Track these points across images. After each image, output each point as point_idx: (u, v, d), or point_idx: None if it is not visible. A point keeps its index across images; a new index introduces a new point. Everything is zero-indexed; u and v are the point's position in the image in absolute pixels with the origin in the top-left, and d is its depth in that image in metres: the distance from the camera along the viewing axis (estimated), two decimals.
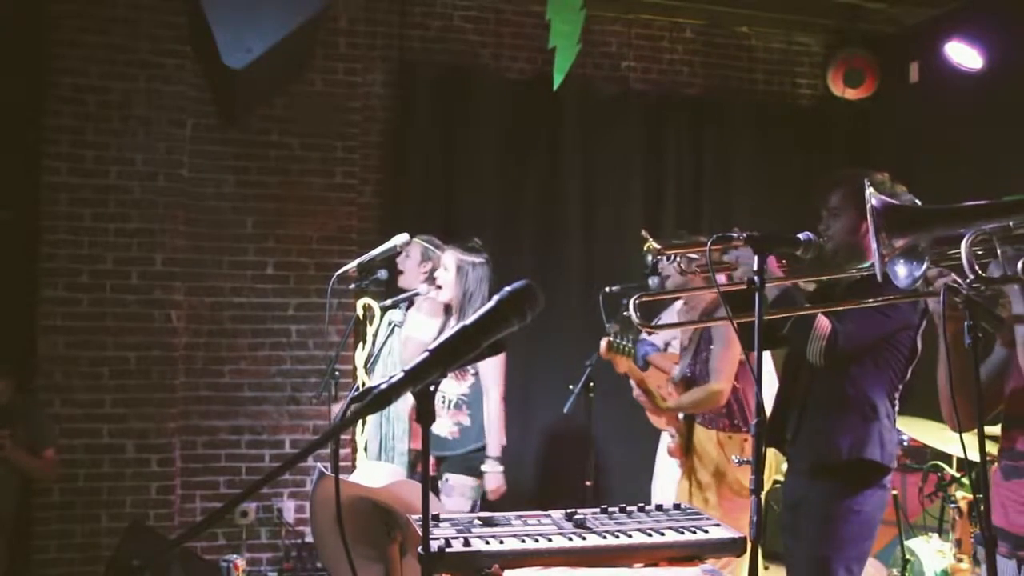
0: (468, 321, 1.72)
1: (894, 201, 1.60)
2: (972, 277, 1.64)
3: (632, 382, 4.21)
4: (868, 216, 2.03)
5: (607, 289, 4.23)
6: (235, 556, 5.45)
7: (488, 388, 4.57)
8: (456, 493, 4.59)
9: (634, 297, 2.92)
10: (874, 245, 1.95)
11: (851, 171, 3.39)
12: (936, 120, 6.09)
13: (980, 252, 1.93)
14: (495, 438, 4.56)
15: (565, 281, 6.20)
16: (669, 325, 4.31)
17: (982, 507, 2.31)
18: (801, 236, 2.98)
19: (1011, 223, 1.65)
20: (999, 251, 1.69)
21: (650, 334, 4.68)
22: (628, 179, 6.47)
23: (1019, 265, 1.52)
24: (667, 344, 5.10)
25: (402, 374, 1.66)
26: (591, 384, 4.19)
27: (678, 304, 4.57)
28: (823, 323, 3.17)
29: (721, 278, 3.37)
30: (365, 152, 6.15)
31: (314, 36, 5.55)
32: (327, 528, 3.36)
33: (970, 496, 4.47)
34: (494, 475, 4.54)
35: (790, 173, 6.51)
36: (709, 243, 2.77)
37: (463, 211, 6.08)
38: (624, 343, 4.07)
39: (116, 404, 5.51)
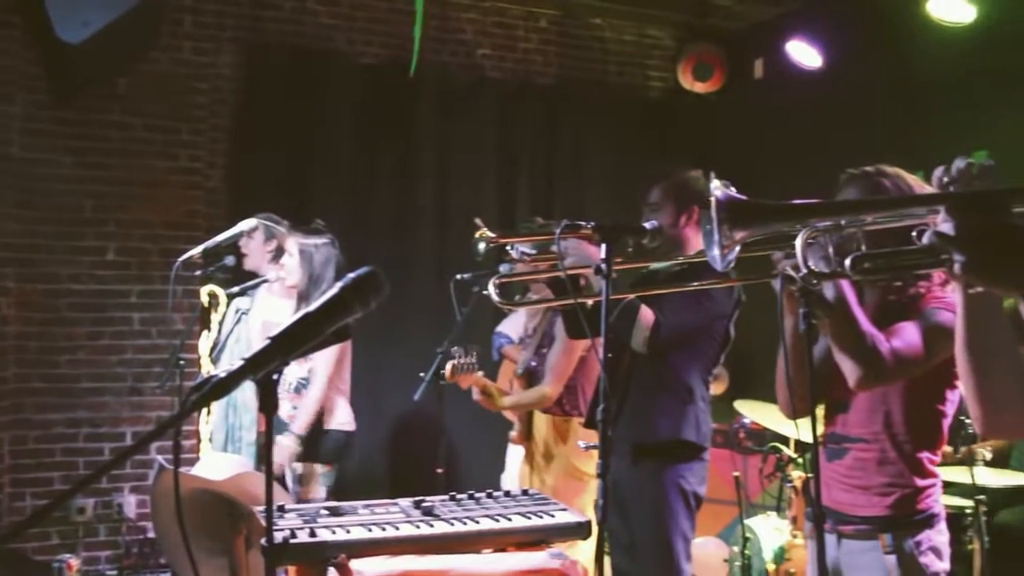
0: (310, 308, 1.69)
1: (737, 195, 1.66)
2: (805, 271, 1.71)
3: (474, 389, 4.33)
4: (712, 208, 2.09)
5: (458, 276, 4.22)
6: (69, 556, 5.19)
7: (316, 369, 4.50)
8: (308, 481, 4.52)
9: (493, 278, 2.97)
10: (716, 236, 2.00)
11: (668, 168, 3.67)
12: (778, 116, 6.32)
13: (811, 242, 2.03)
14: (305, 418, 4.47)
15: (417, 268, 6.17)
16: (527, 303, 4.35)
17: (811, 486, 2.43)
18: (647, 225, 3.13)
19: (842, 221, 1.73)
20: (830, 248, 1.77)
21: (509, 312, 4.76)
22: (482, 166, 6.49)
23: (847, 262, 1.59)
24: (521, 338, 5.15)
25: (241, 362, 1.62)
26: (442, 371, 4.18)
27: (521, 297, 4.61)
28: (647, 314, 3.34)
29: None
30: (213, 135, 5.96)
31: (158, 13, 5.34)
32: (169, 522, 3.26)
33: (804, 475, 4.67)
34: (284, 449, 4.41)
35: (641, 163, 6.63)
36: (558, 231, 2.80)
37: (314, 197, 5.96)
38: (468, 361, 4.19)
39: None
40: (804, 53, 5.89)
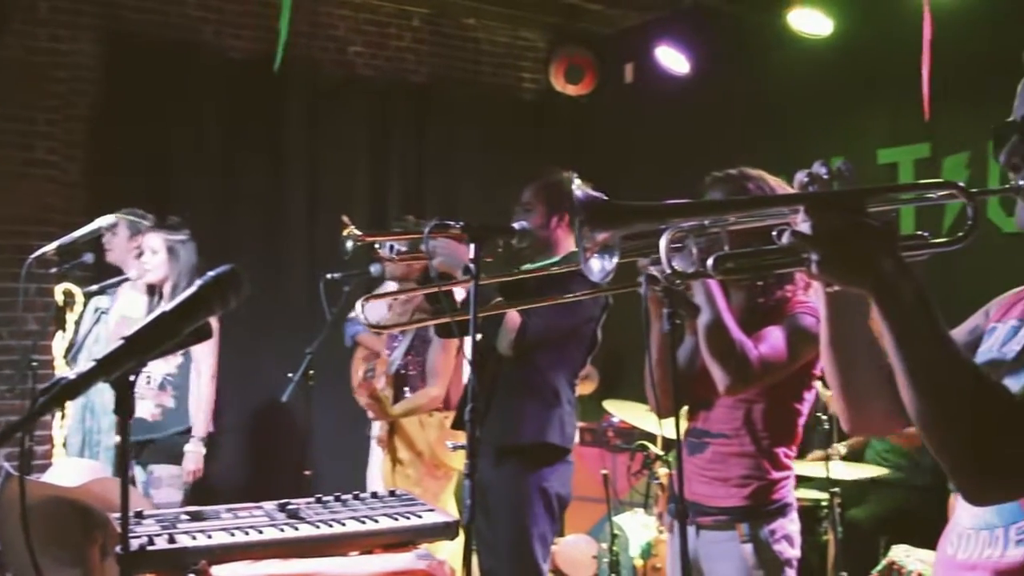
0: (167, 307, 1.63)
1: (598, 195, 1.65)
2: (669, 271, 1.73)
3: (364, 393, 4.27)
4: (574, 209, 2.11)
5: (328, 276, 4.17)
6: None
7: (200, 365, 4.41)
8: (164, 484, 4.42)
9: (360, 299, 2.92)
10: (577, 238, 2.01)
11: (540, 168, 3.67)
12: (648, 119, 6.45)
13: (678, 247, 2.07)
14: (203, 418, 4.46)
15: (287, 267, 6.06)
16: (396, 325, 4.32)
17: (674, 481, 2.48)
18: (516, 225, 3.15)
19: (706, 222, 1.75)
20: (693, 248, 1.79)
21: (378, 334, 4.73)
22: (353, 164, 6.41)
23: (709, 261, 1.61)
24: (391, 339, 5.11)
25: (93, 363, 1.56)
26: (311, 372, 4.11)
27: (389, 288, 4.55)
28: (513, 317, 3.34)
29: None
30: (70, 126, 5.69)
31: None
32: (15, 533, 3.10)
33: (670, 472, 4.77)
34: (195, 455, 4.43)
35: (513, 164, 6.66)
36: (427, 231, 2.79)
37: (179, 194, 5.76)
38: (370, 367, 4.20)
39: None
40: (672, 59, 6.02)
